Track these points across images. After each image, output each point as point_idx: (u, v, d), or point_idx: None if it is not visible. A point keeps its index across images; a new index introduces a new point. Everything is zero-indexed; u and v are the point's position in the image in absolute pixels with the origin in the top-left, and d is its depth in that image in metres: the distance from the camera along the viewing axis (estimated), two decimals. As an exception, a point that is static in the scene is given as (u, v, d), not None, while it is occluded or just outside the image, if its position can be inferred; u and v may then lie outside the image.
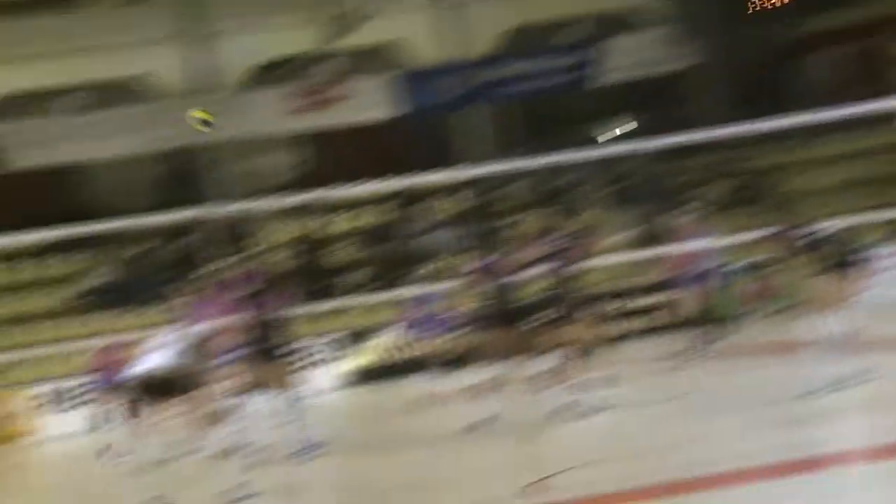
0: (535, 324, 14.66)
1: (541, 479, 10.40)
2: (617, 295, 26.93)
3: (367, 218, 31.14)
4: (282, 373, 14.66)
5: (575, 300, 15.04)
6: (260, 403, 14.81)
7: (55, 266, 29.93)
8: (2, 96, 29.63)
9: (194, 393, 11.89)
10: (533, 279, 15.00)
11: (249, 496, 12.16)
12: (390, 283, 27.91)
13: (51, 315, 28.78)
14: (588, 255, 15.44)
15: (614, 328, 24.94)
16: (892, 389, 13.50)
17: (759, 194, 32.02)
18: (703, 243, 18.28)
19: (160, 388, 11.71)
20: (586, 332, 15.09)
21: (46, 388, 25.95)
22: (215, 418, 12.39)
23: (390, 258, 29.87)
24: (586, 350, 15.16)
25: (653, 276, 25.25)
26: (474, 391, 16.16)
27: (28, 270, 29.73)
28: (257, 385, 14.54)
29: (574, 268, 15.09)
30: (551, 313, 14.71)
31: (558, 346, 14.95)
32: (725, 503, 9.39)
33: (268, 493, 12.45)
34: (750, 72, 34.61)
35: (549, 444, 12.85)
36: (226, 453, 13.31)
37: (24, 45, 29.50)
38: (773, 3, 31.38)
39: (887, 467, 9.57)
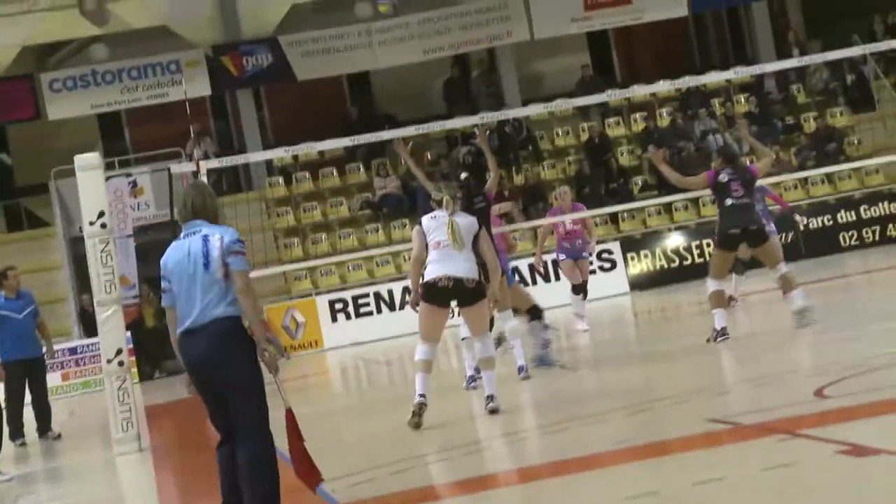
0: None
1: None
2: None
3: (652, 120, 30.80)
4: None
5: None
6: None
7: (347, 176, 30.52)
8: (290, 8, 30.11)
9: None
10: None
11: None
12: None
13: (344, 224, 29.42)
14: None
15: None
16: None
17: None
18: None
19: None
20: None
21: (338, 296, 26.61)
22: None
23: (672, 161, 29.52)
24: None
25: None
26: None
27: (321, 180, 30.37)
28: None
29: None
30: None
31: None
32: None
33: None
34: None
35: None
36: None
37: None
38: None
39: None
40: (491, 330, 13.63)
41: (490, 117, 22.97)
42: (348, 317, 26.32)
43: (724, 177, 15.02)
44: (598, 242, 27.62)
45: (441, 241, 12.27)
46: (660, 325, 19.45)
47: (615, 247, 27.33)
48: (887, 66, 31.22)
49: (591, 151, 30.10)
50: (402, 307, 25.32)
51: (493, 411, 12.24)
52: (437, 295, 12.23)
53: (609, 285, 26.57)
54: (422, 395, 12.21)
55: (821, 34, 32.72)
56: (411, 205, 28.54)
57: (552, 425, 11.34)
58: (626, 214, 28.18)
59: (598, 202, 27.48)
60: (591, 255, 19.91)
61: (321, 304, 26.50)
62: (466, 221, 12.42)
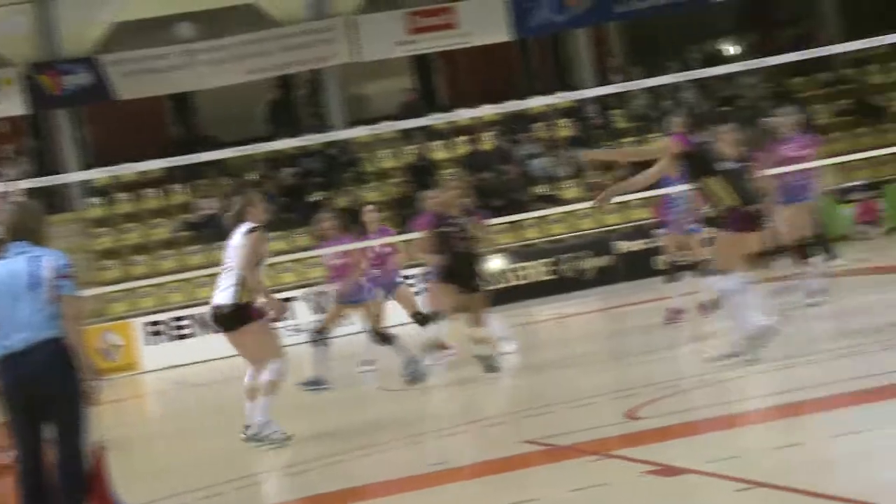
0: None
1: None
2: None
3: (476, 144, 30.99)
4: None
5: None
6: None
7: (168, 196, 30.16)
8: (111, 26, 29.74)
9: None
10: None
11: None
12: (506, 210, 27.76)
13: (164, 246, 29.07)
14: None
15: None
16: None
17: (872, 113, 31.42)
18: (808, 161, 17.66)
19: None
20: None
21: (157, 318, 26.28)
22: None
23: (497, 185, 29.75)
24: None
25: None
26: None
27: (141, 201, 29.98)
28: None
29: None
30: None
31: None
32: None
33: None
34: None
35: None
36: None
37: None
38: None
39: None
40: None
41: (314, 139, 22.93)
42: (166, 339, 26.00)
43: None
44: (420, 265, 27.81)
45: (221, 267, 12.11)
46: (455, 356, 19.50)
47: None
48: (703, 94, 31.87)
49: (415, 174, 30.19)
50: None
51: (251, 440, 11.83)
52: (215, 322, 12.05)
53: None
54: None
55: (641, 61, 33.31)
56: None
57: (373, 446, 11.29)
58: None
59: (420, 225, 27.52)
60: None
61: (138, 326, 26.14)
62: (239, 234, 11.96)
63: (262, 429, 11.77)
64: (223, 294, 11.83)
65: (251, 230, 11.94)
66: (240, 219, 12.08)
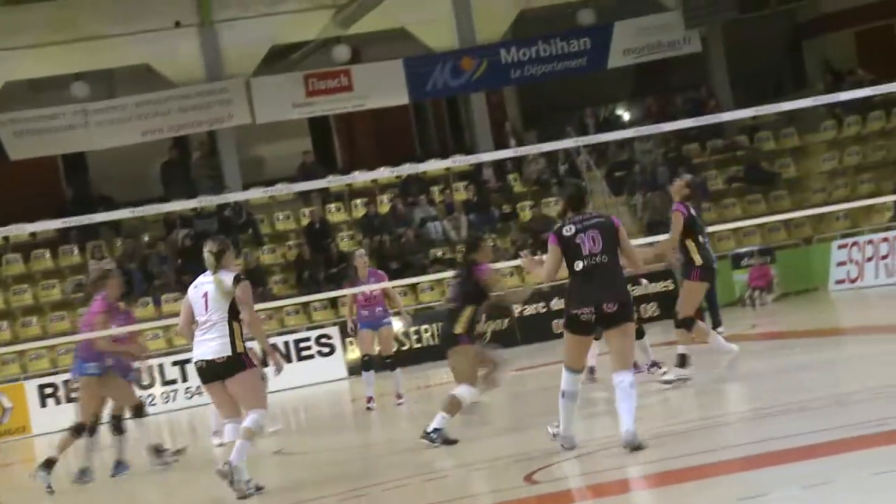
0: None
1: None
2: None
3: (373, 206, 30.99)
4: None
5: None
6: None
7: (61, 257, 29.80)
8: (3, 85, 29.43)
9: None
10: None
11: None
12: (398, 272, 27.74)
13: (57, 307, 28.69)
14: None
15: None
16: None
17: (765, 179, 31.88)
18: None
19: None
20: None
21: (49, 380, 25.92)
22: None
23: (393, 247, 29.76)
24: None
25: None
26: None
27: (33, 262, 29.59)
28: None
29: None
30: None
31: None
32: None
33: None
34: (762, 54, 34.58)
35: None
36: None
37: (27, 33, 29.35)
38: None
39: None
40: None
41: (209, 200, 22.81)
42: (58, 401, 25.59)
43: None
44: (317, 328, 27.73)
45: (199, 320, 11.87)
46: (377, 411, 19.42)
47: (334, 331, 27.32)
48: (598, 159, 32.19)
49: (312, 236, 30.12)
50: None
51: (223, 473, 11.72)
52: (201, 374, 11.95)
53: (327, 371, 26.56)
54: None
55: (536, 126, 33.61)
56: (126, 287, 27.92)
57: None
58: (345, 300, 28.16)
59: (317, 287, 27.45)
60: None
61: (30, 388, 25.74)
62: (226, 282, 11.84)
63: (236, 473, 11.62)
64: (216, 347, 11.73)
65: (242, 278, 11.96)
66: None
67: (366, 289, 18.48)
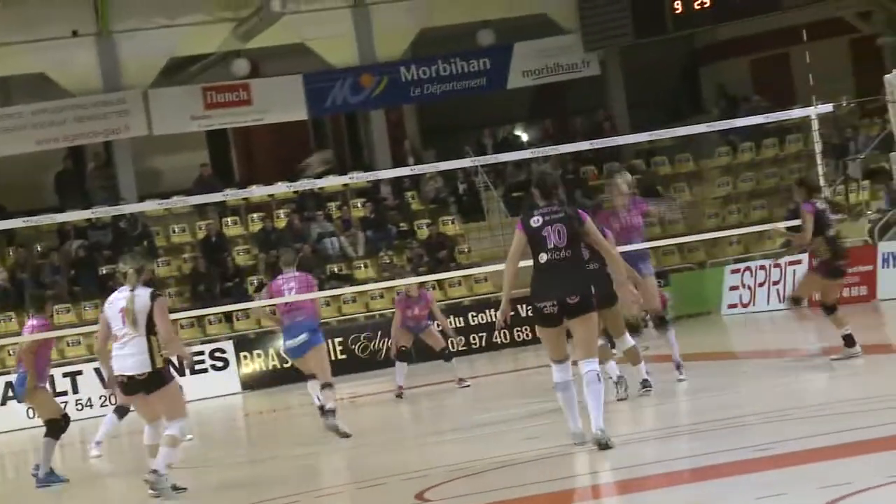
0: None
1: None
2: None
3: (270, 221, 30.86)
4: None
5: None
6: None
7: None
8: None
9: None
10: None
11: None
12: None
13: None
14: None
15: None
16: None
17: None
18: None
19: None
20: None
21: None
22: None
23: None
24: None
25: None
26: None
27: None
28: None
29: None
30: None
31: None
32: None
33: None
34: (660, 79, 34.97)
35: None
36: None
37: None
38: (697, 7, 31.60)
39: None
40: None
41: (105, 211, 22.61)
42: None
43: None
44: (212, 341, 27.55)
45: (117, 334, 12.04)
46: (270, 426, 19.41)
47: (228, 346, 27.17)
48: (496, 178, 32.33)
49: (208, 249, 29.94)
50: (3, 402, 24.58)
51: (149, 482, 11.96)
52: (124, 387, 12.16)
53: (220, 385, 26.41)
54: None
55: (435, 144, 33.69)
56: (17, 297, 27.58)
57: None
58: (240, 314, 28.05)
59: (212, 301, 27.28)
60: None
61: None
62: (143, 299, 12.00)
63: (159, 482, 11.95)
64: (137, 362, 11.91)
65: (158, 295, 12.17)
66: None
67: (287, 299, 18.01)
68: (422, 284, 21.20)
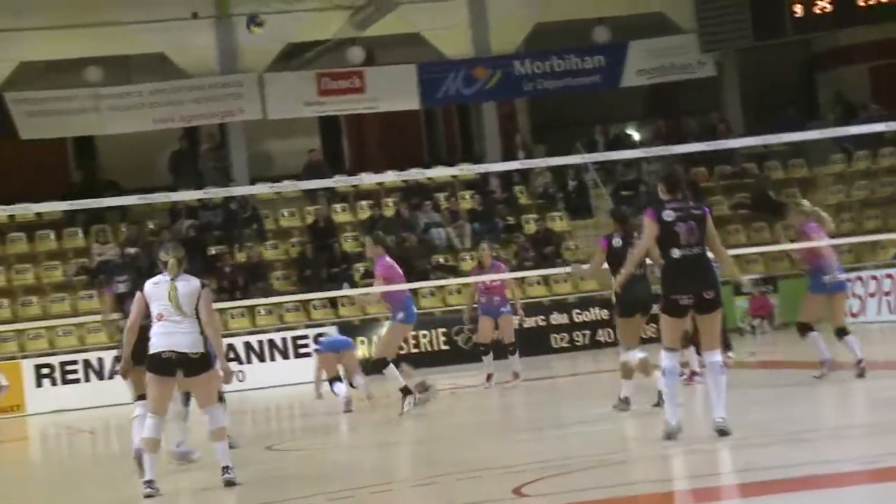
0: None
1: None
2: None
3: (378, 209, 31.00)
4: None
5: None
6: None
7: (65, 240, 29.85)
8: (19, 65, 29.52)
9: None
10: None
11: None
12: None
13: (58, 288, 28.72)
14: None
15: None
16: None
17: (772, 208, 31.88)
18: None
19: None
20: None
21: (46, 360, 25.98)
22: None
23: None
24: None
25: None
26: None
27: (37, 242, 29.65)
28: None
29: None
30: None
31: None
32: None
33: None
34: (776, 83, 34.60)
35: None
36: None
37: (43, 14, 29.44)
38: (818, 11, 31.24)
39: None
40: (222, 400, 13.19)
41: (217, 192, 22.88)
42: (54, 382, 25.68)
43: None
44: (316, 326, 27.71)
45: (163, 314, 11.97)
46: (367, 413, 19.45)
47: (332, 331, 27.30)
48: (606, 177, 32.21)
49: (316, 235, 30.16)
50: (111, 376, 24.81)
51: (230, 483, 11.94)
52: (162, 366, 11.93)
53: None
54: (148, 483, 11.81)
55: (545, 139, 33.62)
56: (137, 273, 27.93)
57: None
58: (345, 300, 28.20)
59: (318, 286, 27.48)
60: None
61: (27, 367, 25.80)
62: (189, 287, 12.03)
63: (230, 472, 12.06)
64: (191, 341, 11.92)
65: (206, 284, 12.27)
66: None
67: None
68: (496, 255, 21.24)
